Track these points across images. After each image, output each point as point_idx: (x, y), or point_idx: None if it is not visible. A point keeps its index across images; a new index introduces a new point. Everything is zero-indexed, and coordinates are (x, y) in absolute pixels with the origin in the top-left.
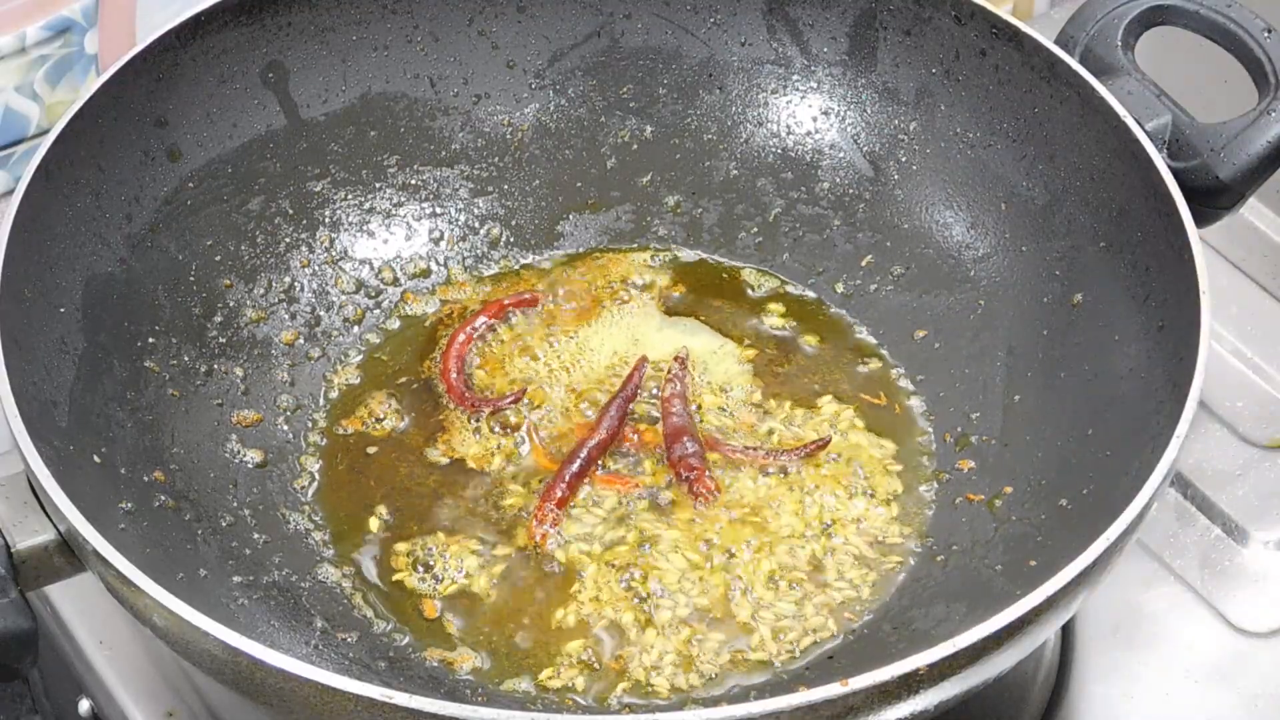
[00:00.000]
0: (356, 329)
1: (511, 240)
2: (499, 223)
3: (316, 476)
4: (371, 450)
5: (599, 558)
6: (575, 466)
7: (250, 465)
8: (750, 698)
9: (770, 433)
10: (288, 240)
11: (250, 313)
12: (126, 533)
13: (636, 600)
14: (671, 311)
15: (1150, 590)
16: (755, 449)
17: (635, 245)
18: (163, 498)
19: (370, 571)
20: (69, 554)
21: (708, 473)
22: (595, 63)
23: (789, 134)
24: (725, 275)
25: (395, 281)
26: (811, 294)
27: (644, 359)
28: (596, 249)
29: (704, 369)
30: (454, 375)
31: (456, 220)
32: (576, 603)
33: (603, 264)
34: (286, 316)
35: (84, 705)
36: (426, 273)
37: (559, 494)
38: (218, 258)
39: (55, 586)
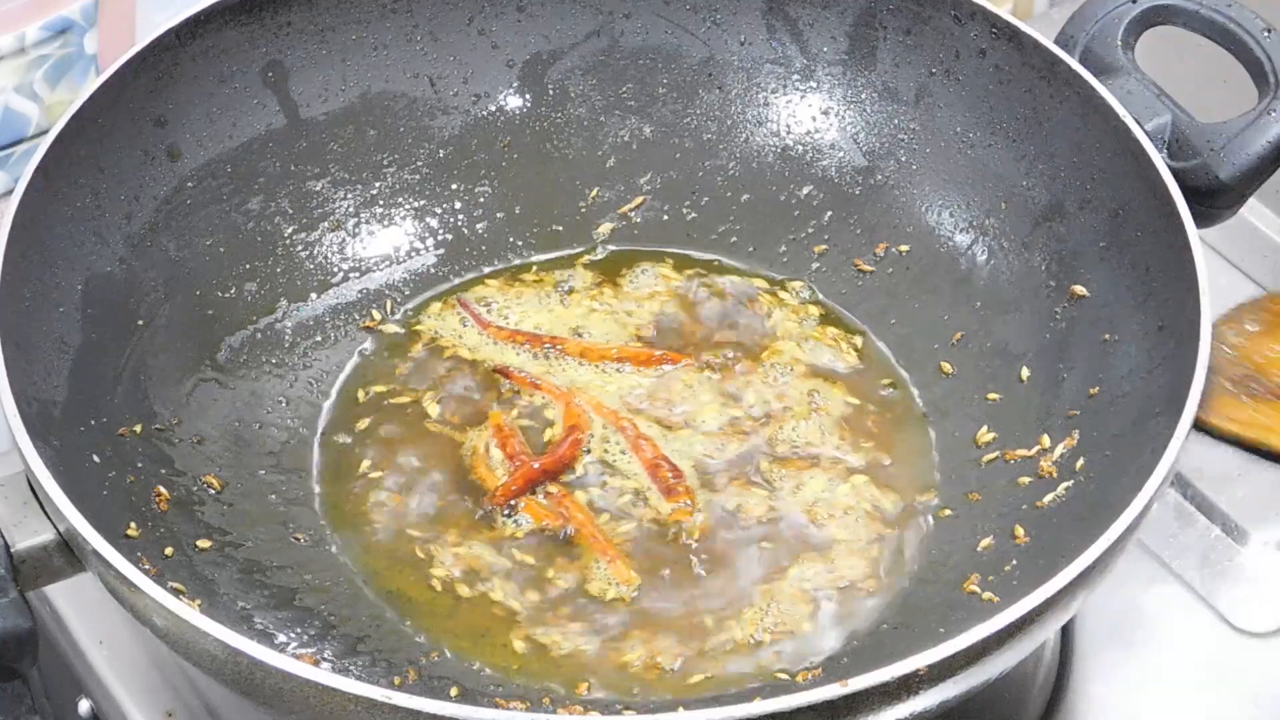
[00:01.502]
0: (357, 329)
1: (512, 239)
2: (498, 222)
3: (318, 477)
4: (372, 450)
5: (600, 554)
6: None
7: None
8: (750, 698)
9: (766, 431)
10: (287, 240)
11: (249, 313)
12: None
13: (635, 601)
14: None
15: (1150, 590)
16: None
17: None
18: None
19: (371, 571)
20: (69, 554)
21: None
22: (595, 62)
23: (788, 133)
24: (723, 274)
25: (394, 281)
26: (808, 293)
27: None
28: (597, 249)
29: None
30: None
31: (456, 219)
32: (579, 602)
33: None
34: (286, 317)
35: (84, 705)
36: (426, 272)
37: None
38: (217, 257)
39: (55, 586)
